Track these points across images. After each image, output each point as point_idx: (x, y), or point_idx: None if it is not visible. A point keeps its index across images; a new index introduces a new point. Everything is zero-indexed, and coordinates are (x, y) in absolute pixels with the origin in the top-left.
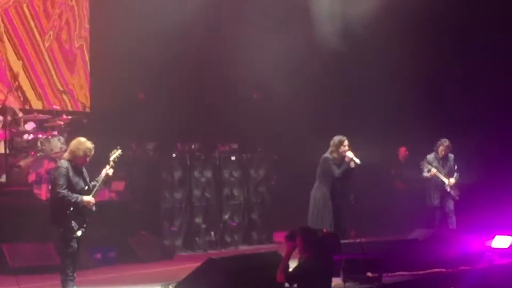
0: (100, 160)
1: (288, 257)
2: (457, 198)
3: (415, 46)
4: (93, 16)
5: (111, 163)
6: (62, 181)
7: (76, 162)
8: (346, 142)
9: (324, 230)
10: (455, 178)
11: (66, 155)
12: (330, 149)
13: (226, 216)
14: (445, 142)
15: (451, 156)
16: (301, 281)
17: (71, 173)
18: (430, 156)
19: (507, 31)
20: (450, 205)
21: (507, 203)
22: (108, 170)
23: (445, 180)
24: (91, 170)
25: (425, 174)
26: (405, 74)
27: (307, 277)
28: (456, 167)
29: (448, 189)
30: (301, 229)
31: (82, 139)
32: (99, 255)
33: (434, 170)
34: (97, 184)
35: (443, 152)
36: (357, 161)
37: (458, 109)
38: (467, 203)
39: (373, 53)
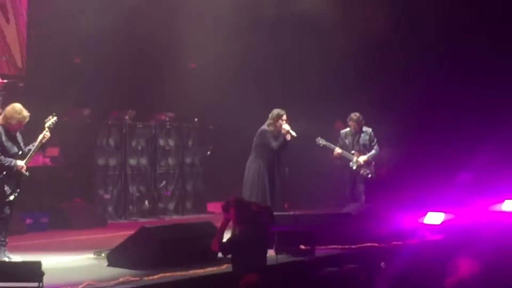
0: (35, 125)
1: (223, 228)
2: (369, 176)
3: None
4: None
5: (47, 129)
6: None
7: (9, 128)
8: (284, 116)
9: (258, 203)
10: (369, 156)
11: (0, 120)
12: (268, 121)
13: (160, 185)
14: (355, 116)
15: (368, 130)
16: (235, 252)
17: (4, 138)
18: (343, 131)
19: None
20: (360, 186)
21: (440, 179)
22: (43, 137)
23: (352, 158)
24: (25, 135)
25: (335, 152)
26: (345, 47)
27: (241, 248)
28: (374, 142)
29: (354, 167)
30: (235, 202)
31: (18, 106)
32: (31, 221)
33: (338, 150)
34: (32, 150)
35: (355, 127)
36: (293, 133)
37: (397, 83)
38: (400, 180)
39: (308, 22)
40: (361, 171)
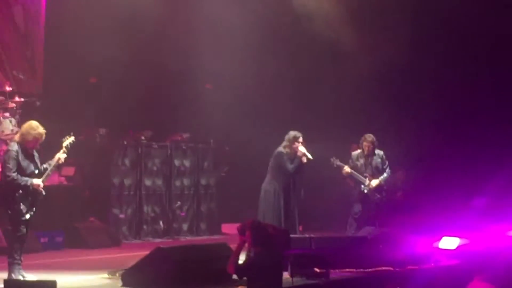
0: (51, 143)
1: (239, 250)
2: (379, 201)
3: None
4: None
5: (64, 149)
6: (11, 164)
7: (26, 146)
8: (300, 138)
9: (274, 226)
10: (381, 179)
11: (16, 137)
12: (284, 143)
13: (175, 206)
14: (369, 137)
15: (380, 152)
16: (251, 274)
17: (21, 156)
18: (355, 153)
19: None
20: (369, 210)
21: (455, 204)
22: (60, 156)
23: (363, 181)
24: (42, 153)
25: (343, 171)
26: (361, 70)
27: (257, 271)
28: (386, 165)
29: (366, 191)
30: (251, 224)
31: (35, 123)
32: (46, 239)
33: (348, 169)
34: (48, 168)
35: (367, 149)
36: (309, 156)
37: (414, 108)
38: (415, 203)
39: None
40: (373, 196)
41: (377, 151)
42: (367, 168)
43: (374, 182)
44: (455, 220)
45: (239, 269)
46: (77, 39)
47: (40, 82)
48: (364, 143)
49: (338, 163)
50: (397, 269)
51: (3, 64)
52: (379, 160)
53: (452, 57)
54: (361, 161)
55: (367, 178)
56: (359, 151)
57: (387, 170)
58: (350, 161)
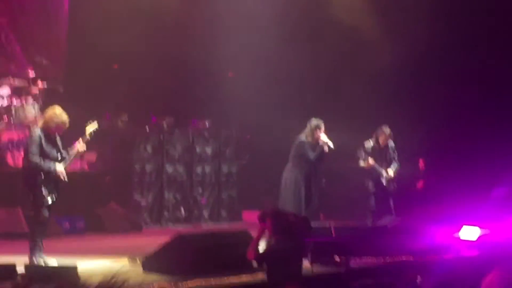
0: (73, 129)
1: (259, 237)
2: (394, 191)
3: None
4: None
5: (87, 135)
6: (34, 148)
7: (49, 132)
8: (322, 127)
9: (295, 214)
10: (393, 170)
11: (40, 123)
12: (306, 132)
13: (196, 192)
14: (387, 130)
15: (392, 144)
16: (271, 262)
17: (44, 142)
18: (369, 144)
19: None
20: (390, 201)
21: (476, 194)
22: (83, 142)
23: (383, 173)
24: (65, 139)
25: (362, 163)
26: (385, 60)
27: (277, 258)
28: (396, 156)
29: (385, 183)
30: (272, 212)
31: (58, 110)
32: (67, 224)
33: (371, 161)
34: (71, 154)
35: (384, 142)
36: (331, 145)
37: (431, 99)
38: (436, 193)
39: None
40: (391, 186)
41: (389, 143)
42: (382, 159)
43: (391, 173)
44: (476, 210)
45: (259, 256)
46: (100, 25)
47: (63, 68)
48: (382, 136)
49: (363, 154)
50: (417, 259)
51: (27, 49)
52: (391, 151)
53: (474, 47)
54: (375, 153)
55: (383, 170)
56: (371, 143)
57: (397, 160)
58: (363, 152)
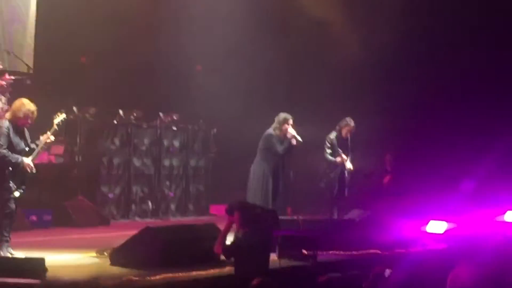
0: (41, 122)
1: (226, 231)
2: (351, 183)
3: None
4: None
5: (55, 126)
6: (2, 140)
7: (17, 123)
8: (290, 121)
9: (262, 207)
10: (351, 162)
11: (7, 115)
12: (274, 125)
13: (164, 186)
14: (351, 122)
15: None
16: (238, 255)
17: (12, 134)
18: (333, 136)
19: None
20: (345, 192)
21: (443, 188)
22: (50, 133)
23: (348, 166)
24: (32, 131)
25: (329, 157)
26: (353, 53)
27: (244, 252)
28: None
29: (346, 175)
30: (239, 205)
31: (25, 100)
32: (34, 217)
33: (344, 157)
34: (38, 146)
35: (347, 133)
36: (299, 139)
37: (402, 91)
38: (403, 187)
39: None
40: (349, 177)
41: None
42: (344, 151)
43: (350, 165)
44: (443, 204)
45: (227, 250)
46: (68, 18)
47: (31, 61)
48: (346, 128)
49: (329, 147)
50: (385, 252)
51: None
52: (349, 143)
53: (439, 43)
54: (339, 143)
55: (346, 162)
56: (334, 134)
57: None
58: (328, 144)
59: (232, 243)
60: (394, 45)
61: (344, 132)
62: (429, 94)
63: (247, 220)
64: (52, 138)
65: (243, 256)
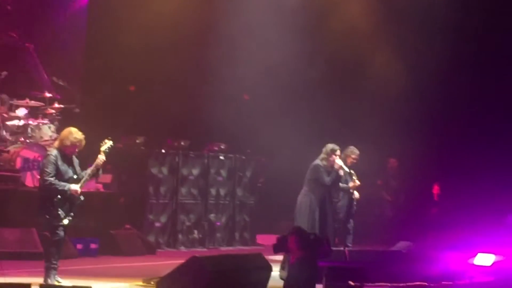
0: (89, 150)
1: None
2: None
3: (410, 60)
4: (90, 7)
5: (102, 153)
6: (50, 169)
7: (65, 151)
8: (338, 152)
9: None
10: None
11: (56, 143)
12: (321, 156)
13: (211, 215)
14: (356, 151)
15: None
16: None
17: (59, 162)
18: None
19: None
20: (352, 221)
21: (490, 220)
22: (99, 161)
23: (356, 194)
24: (80, 160)
25: (344, 184)
26: (401, 87)
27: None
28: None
29: (355, 203)
30: (296, 229)
31: (73, 129)
32: (81, 246)
33: (358, 182)
34: (87, 174)
35: (352, 162)
36: (347, 169)
37: (451, 124)
38: (450, 220)
39: (368, 63)
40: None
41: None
42: (349, 180)
43: (357, 194)
44: (490, 237)
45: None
46: (117, 47)
47: (80, 89)
48: (352, 156)
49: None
50: (431, 285)
51: (43, 70)
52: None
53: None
54: (345, 173)
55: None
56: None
57: None
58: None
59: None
60: (441, 75)
61: (349, 160)
62: (479, 129)
63: (303, 244)
64: (102, 160)
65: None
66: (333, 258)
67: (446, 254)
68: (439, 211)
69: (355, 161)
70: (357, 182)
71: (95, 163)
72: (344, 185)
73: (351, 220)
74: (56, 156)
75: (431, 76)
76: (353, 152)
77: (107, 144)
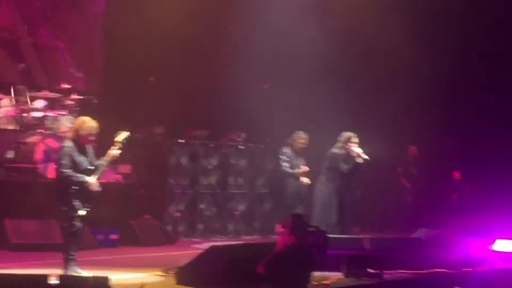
0: (107, 141)
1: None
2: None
3: (429, 45)
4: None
5: (118, 144)
6: (66, 160)
7: (79, 141)
8: (354, 139)
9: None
10: None
11: (70, 134)
12: (338, 144)
13: (230, 205)
14: (304, 135)
15: None
16: (278, 269)
17: (75, 153)
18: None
19: None
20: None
21: (510, 206)
22: (114, 151)
23: (305, 179)
24: (98, 151)
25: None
26: (419, 72)
27: (284, 266)
28: None
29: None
30: (295, 214)
31: (86, 118)
32: (101, 236)
33: (306, 168)
34: (103, 165)
35: (303, 147)
36: (365, 156)
37: (469, 109)
38: (470, 206)
39: (386, 50)
40: None
41: None
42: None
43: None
44: (510, 223)
45: (267, 263)
46: (136, 38)
47: (99, 80)
48: (303, 141)
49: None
50: (451, 271)
51: (62, 61)
52: None
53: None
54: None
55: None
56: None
57: None
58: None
59: (275, 255)
60: (460, 61)
61: (298, 146)
62: (499, 114)
63: (297, 228)
64: (117, 153)
65: (283, 271)
66: (352, 246)
67: (466, 240)
68: (459, 198)
69: (304, 146)
70: (306, 168)
71: (110, 154)
72: (293, 170)
73: (299, 206)
74: (71, 147)
75: (451, 61)
76: (301, 137)
77: (122, 135)
